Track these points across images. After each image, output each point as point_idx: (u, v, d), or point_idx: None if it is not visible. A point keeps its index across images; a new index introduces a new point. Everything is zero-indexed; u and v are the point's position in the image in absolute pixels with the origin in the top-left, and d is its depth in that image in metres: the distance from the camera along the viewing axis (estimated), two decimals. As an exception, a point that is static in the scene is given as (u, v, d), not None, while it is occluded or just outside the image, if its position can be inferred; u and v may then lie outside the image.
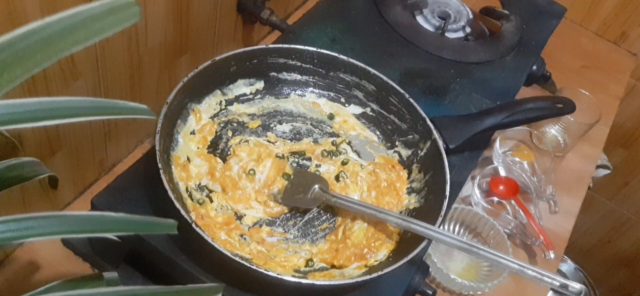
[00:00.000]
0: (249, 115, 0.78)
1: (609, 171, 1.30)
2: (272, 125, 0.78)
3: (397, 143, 0.79)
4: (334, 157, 0.77)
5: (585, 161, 1.08)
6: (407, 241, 0.67)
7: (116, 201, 0.64)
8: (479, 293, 0.82)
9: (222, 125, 0.75)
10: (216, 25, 0.86)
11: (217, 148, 0.73)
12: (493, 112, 0.82)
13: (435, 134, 0.74)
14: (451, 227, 0.90)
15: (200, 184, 0.69)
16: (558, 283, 0.60)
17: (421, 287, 0.69)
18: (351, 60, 0.79)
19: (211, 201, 0.68)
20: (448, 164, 0.71)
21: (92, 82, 0.68)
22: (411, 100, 0.76)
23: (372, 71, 0.78)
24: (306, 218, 0.70)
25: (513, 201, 0.93)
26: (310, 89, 0.82)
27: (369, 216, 0.68)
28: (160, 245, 0.61)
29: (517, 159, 1.00)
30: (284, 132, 0.78)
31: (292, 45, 0.78)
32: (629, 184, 1.51)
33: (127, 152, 0.84)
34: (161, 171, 0.59)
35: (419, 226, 0.63)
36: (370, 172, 0.76)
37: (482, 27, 1.03)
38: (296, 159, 0.76)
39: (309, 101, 0.81)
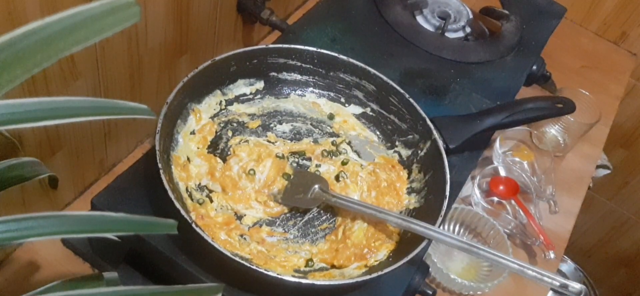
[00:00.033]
0: (249, 115, 0.78)
1: (609, 171, 1.30)
2: (272, 125, 0.78)
3: (397, 143, 0.79)
4: (334, 157, 0.77)
5: (585, 161, 1.08)
6: (407, 241, 0.67)
7: (116, 201, 0.64)
8: (479, 293, 0.82)
9: (222, 125, 0.75)
10: (216, 25, 0.86)
11: (217, 147, 0.73)
12: (493, 112, 0.82)
13: (435, 134, 0.74)
14: (451, 227, 0.90)
15: (200, 184, 0.69)
16: (558, 283, 0.60)
17: (421, 287, 0.69)
18: (351, 60, 0.79)
19: (211, 201, 0.68)
20: (448, 164, 0.71)
21: (92, 82, 0.68)
22: (411, 100, 0.76)
23: (372, 71, 0.78)
24: (306, 218, 0.70)
25: (513, 201, 0.93)
26: (310, 89, 0.82)
27: (369, 216, 0.68)
28: (160, 245, 0.61)
29: (517, 159, 1.00)
30: (284, 132, 0.78)
31: (292, 46, 0.78)
32: (629, 184, 1.51)
33: (127, 152, 0.84)
34: (161, 171, 0.59)
35: (419, 226, 0.63)
36: (370, 172, 0.76)
37: (482, 27, 1.03)
38: (296, 159, 0.76)
39: (309, 101, 0.81)
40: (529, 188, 0.95)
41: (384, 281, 0.65)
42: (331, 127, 0.80)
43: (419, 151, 0.76)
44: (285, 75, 0.80)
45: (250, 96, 0.79)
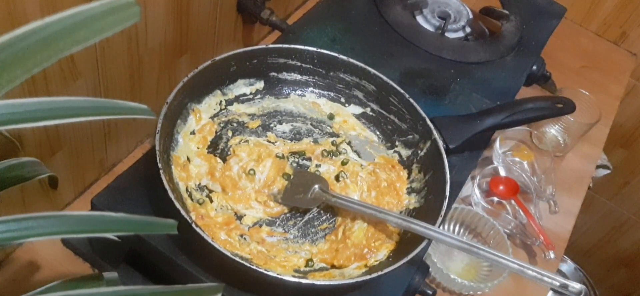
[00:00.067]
0: (249, 115, 0.78)
1: (609, 171, 1.30)
2: (272, 125, 0.78)
3: (397, 143, 0.79)
4: (334, 157, 0.77)
5: (585, 161, 1.08)
6: (407, 241, 0.67)
7: (116, 201, 0.64)
8: (479, 293, 0.82)
9: (222, 125, 0.75)
10: (216, 25, 0.86)
11: (217, 148, 0.73)
12: (493, 112, 0.82)
13: (435, 134, 0.74)
14: (451, 227, 0.90)
15: (200, 184, 0.69)
16: (558, 283, 0.60)
17: (421, 287, 0.69)
18: (351, 60, 0.79)
19: (211, 201, 0.68)
20: (448, 164, 0.71)
21: (92, 82, 0.68)
22: (411, 100, 0.76)
23: (372, 71, 0.78)
24: (306, 218, 0.70)
25: (513, 201, 0.93)
26: (310, 89, 0.82)
27: (369, 216, 0.68)
28: (160, 245, 0.61)
29: (517, 159, 1.00)
30: (284, 132, 0.78)
31: (292, 46, 0.78)
32: (629, 184, 1.51)
33: (127, 152, 0.84)
34: (161, 171, 0.59)
35: (419, 226, 0.63)
36: (370, 172, 0.76)
37: (482, 27, 1.03)
38: (296, 159, 0.76)
39: (309, 101, 0.81)
40: (529, 188, 0.95)
41: (384, 281, 0.65)
42: (331, 127, 0.80)
43: (419, 151, 0.76)
44: (285, 75, 0.80)
45: (250, 96, 0.79)
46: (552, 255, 0.88)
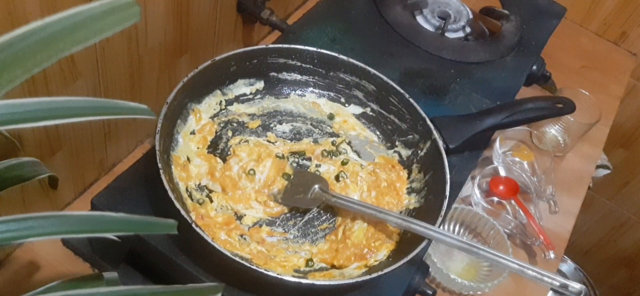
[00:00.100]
0: (249, 115, 0.78)
1: (609, 171, 1.30)
2: (272, 125, 0.78)
3: (397, 143, 0.79)
4: (334, 157, 0.77)
5: (585, 161, 1.08)
6: (407, 241, 0.67)
7: (116, 201, 0.64)
8: (479, 293, 0.82)
9: (222, 125, 0.75)
10: (216, 25, 0.86)
11: (217, 148, 0.73)
12: (493, 112, 0.82)
13: (435, 134, 0.74)
14: (451, 227, 0.90)
15: (200, 184, 0.69)
16: (558, 283, 0.60)
17: (421, 287, 0.69)
18: (351, 60, 0.79)
19: (211, 201, 0.68)
20: (448, 164, 0.71)
21: (92, 82, 0.68)
22: (411, 100, 0.76)
23: (372, 71, 0.78)
24: (306, 218, 0.70)
25: (513, 201, 0.93)
26: (310, 89, 0.82)
27: (369, 216, 0.68)
28: (160, 245, 0.61)
29: (517, 159, 1.00)
30: (284, 132, 0.78)
31: (292, 46, 0.78)
32: (629, 184, 1.51)
33: (127, 152, 0.84)
34: (161, 171, 0.59)
35: (419, 226, 0.63)
36: (370, 172, 0.76)
37: (482, 27, 1.03)
38: (296, 159, 0.76)
39: (309, 101, 0.81)
40: (529, 188, 0.95)
41: (384, 281, 0.65)
42: (331, 127, 0.80)
43: (419, 151, 0.76)
44: (285, 75, 0.80)
45: (250, 96, 0.79)
46: (552, 255, 0.88)
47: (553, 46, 1.11)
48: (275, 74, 0.79)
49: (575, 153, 1.08)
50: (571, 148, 1.07)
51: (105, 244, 0.69)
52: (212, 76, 0.73)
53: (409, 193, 0.74)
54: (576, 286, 0.60)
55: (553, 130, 1.04)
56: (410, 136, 0.78)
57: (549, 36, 1.07)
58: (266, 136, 0.77)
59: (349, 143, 0.79)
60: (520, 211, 0.91)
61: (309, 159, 0.76)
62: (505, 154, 0.99)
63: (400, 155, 0.78)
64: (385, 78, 0.78)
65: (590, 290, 1.67)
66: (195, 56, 0.85)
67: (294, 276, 0.61)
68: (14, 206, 0.67)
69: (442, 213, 0.66)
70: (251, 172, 0.71)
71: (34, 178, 0.51)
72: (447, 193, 0.68)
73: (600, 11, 1.31)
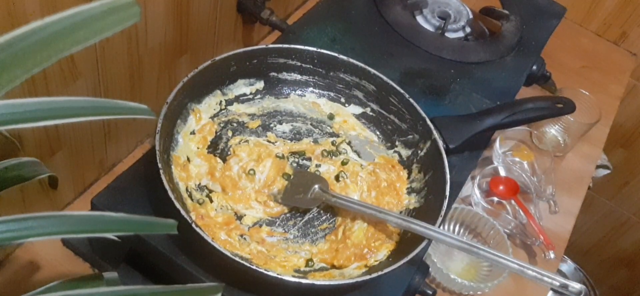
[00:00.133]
0: (249, 115, 0.78)
1: (609, 171, 1.30)
2: (272, 125, 0.78)
3: (397, 143, 0.79)
4: (334, 157, 0.77)
5: (585, 161, 1.08)
6: (407, 241, 0.67)
7: (116, 201, 0.64)
8: (479, 293, 0.82)
9: (222, 125, 0.75)
10: (216, 25, 0.86)
11: (217, 148, 0.73)
12: (493, 112, 0.82)
13: (435, 134, 0.74)
14: (451, 227, 0.90)
15: (200, 184, 0.69)
16: (558, 283, 0.60)
17: (421, 287, 0.69)
18: (351, 60, 0.79)
19: (211, 201, 0.68)
20: (448, 164, 0.71)
21: (92, 82, 0.68)
22: (411, 100, 0.76)
23: (372, 71, 0.78)
24: (306, 218, 0.70)
25: (513, 201, 0.93)
26: (310, 89, 0.82)
27: (369, 216, 0.68)
28: (160, 245, 0.61)
29: (517, 159, 1.00)
30: (284, 132, 0.78)
31: (292, 46, 0.78)
32: (629, 184, 1.51)
33: (127, 152, 0.84)
34: (161, 171, 0.59)
35: (419, 226, 0.63)
36: (370, 172, 0.76)
37: (482, 27, 1.03)
38: (296, 159, 0.76)
39: (309, 101, 0.81)
40: (529, 188, 0.95)
41: (384, 281, 0.65)
42: (331, 127, 0.80)
43: (419, 151, 0.76)
44: (285, 75, 0.80)
45: (250, 96, 0.79)
46: (552, 255, 0.88)
47: (553, 46, 1.11)
48: (275, 74, 0.79)
49: (575, 153, 1.08)
50: (571, 147, 1.07)
51: (105, 244, 0.69)
52: (212, 76, 0.73)
53: (409, 193, 0.74)
54: (576, 286, 0.60)
55: (553, 130, 1.04)
56: (410, 136, 0.78)
57: (549, 36, 1.07)
58: (266, 136, 0.77)
59: (349, 143, 0.79)
60: (520, 211, 0.91)
61: (309, 159, 0.76)
62: (505, 154, 0.99)
63: (400, 155, 0.78)
64: (385, 78, 0.78)
65: (590, 290, 1.67)
66: (195, 56, 0.85)
67: (294, 276, 0.61)
68: (14, 206, 0.67)
69: (442, 213, 0.66)
70: (251, 172, 0.71)
71: (34, 178, 0.51)
72: (447, 193, 0.68)
73: (600, 11, 1.31)
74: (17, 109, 0.34)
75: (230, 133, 0.75)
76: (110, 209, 0.63)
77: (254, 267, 0.56)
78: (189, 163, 0.70)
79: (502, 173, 0.96)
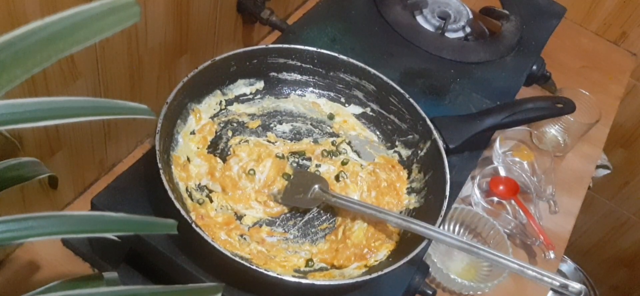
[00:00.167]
0: (249, 115, 0.78)
1: (609, 171, 1.30)
2: (272, 125, 0.78)
3: (397, 143, 0.79)
4: (334, 157, 0.77)
5: (585, 161, 1.08)
6: (407, 241, 0.67)
7: (116, 201, 0.64)
8: (479, 293, 0.82)
9: (222, 125, 0.75)
10: (216, 25, 0.86)
11: (217, 147, 0.73)
12: (493, 112, 0.82)
13: (435, 134, 0.74)
14: (451, 227, 0.90)
15: (200, 184, 0.69)
16: (558, 283, 0.60)
17: (421, 287, 0.69)
18: (351, 60, 0.79)
19: (211, 201, 0.68)
20: (448, 164, 0.71)
21: (92, 82, 0.68)
22: (411, 100, 0.76)
23: (372, 71, 0.78)
24: (306, 218, 0.70)
25: (513, 201, 0.93)
26: (310, 89, 0.82)
27: (369, 216, 0.68)
28: (160, 245, 0.61)
29: (517, 159, 1.00)
30: (284, 132, 0.78)
31: (292, 46, 0.78)
32: (629, 184, 1.51)
33: (127, 152, 0.84)
34: (161, 171, 0.59)
35: (419, 226, 0.63)
36: (370, 172, 0.76)
37: (482, 27, 1.03)
38: (296, 159, 0.76)
39: (309, 101, 0.81)
40: (529, 188, 0.95)
41: (384, 281, 0.65)
42: (331, 127, 0.80)
43: (419, 151, 0.76)
44: (285, 75, 0.80)
45: (250, 96, 0.79)
46: (552, 255, 0.88)
47: (553, 46, 1.11)
48: (275, 74, 0.79)
49: (575, 153, 1.08)
50: (571, 147, 1.07)
51: (105, 245, 0.69)
52: (212, 76, 0.73)
53: (409, 193, 0.74)
54: (576, 286, 0.60)
55: (553, 130, 1.04)
56: (410, 136, 0.78)
57: (549, 36, 1.07)
58: (266, 136, 0.77)
59: (349, 143, 0.79)
60: (520, 211, 0.91)
61: (309, 159, 0.76)
62: (505, 154, 0.99)
63: (400, 155, 0.78)
64: (385, 78, 0.78)
65: (590, 290, 1.67)
66: (195, 56, 0.85)
67: (294, 276, 0.61)
68: (14, 206, 0.67)
69: (442, 213, 0.66)
70: (251, 172, 0.71)
71: (34, 178, 0.51)
72: (447, 193, 0.68)
73: (600, 11, 1.31)
74: (17, 109, 0.34)
75: (230, 133, 0.75)
76: (110, 209, 0.63)
77: (254, 267, 0.56)
78: (189, 163, 0.70)
79: (502, 173, 0.96)
